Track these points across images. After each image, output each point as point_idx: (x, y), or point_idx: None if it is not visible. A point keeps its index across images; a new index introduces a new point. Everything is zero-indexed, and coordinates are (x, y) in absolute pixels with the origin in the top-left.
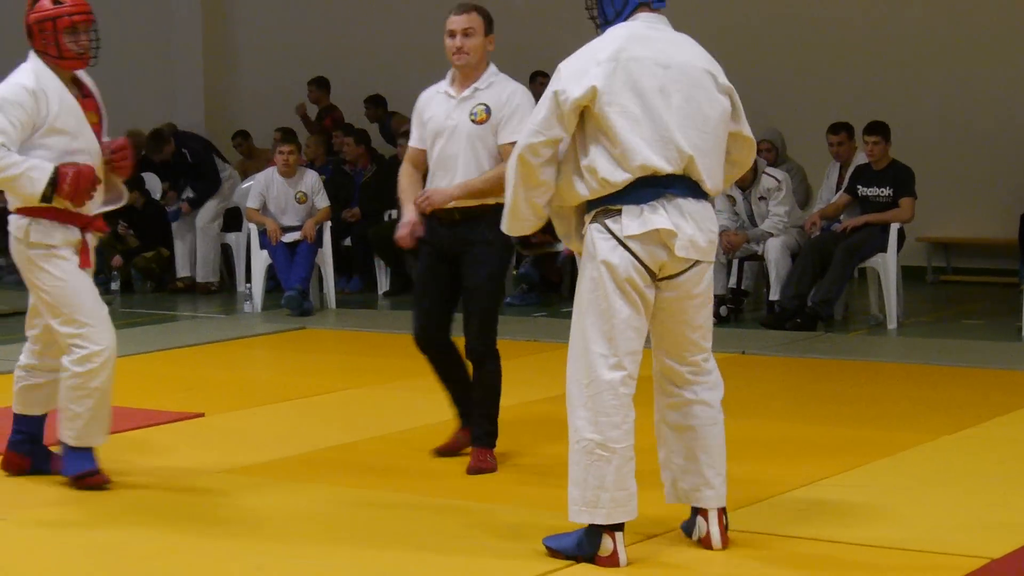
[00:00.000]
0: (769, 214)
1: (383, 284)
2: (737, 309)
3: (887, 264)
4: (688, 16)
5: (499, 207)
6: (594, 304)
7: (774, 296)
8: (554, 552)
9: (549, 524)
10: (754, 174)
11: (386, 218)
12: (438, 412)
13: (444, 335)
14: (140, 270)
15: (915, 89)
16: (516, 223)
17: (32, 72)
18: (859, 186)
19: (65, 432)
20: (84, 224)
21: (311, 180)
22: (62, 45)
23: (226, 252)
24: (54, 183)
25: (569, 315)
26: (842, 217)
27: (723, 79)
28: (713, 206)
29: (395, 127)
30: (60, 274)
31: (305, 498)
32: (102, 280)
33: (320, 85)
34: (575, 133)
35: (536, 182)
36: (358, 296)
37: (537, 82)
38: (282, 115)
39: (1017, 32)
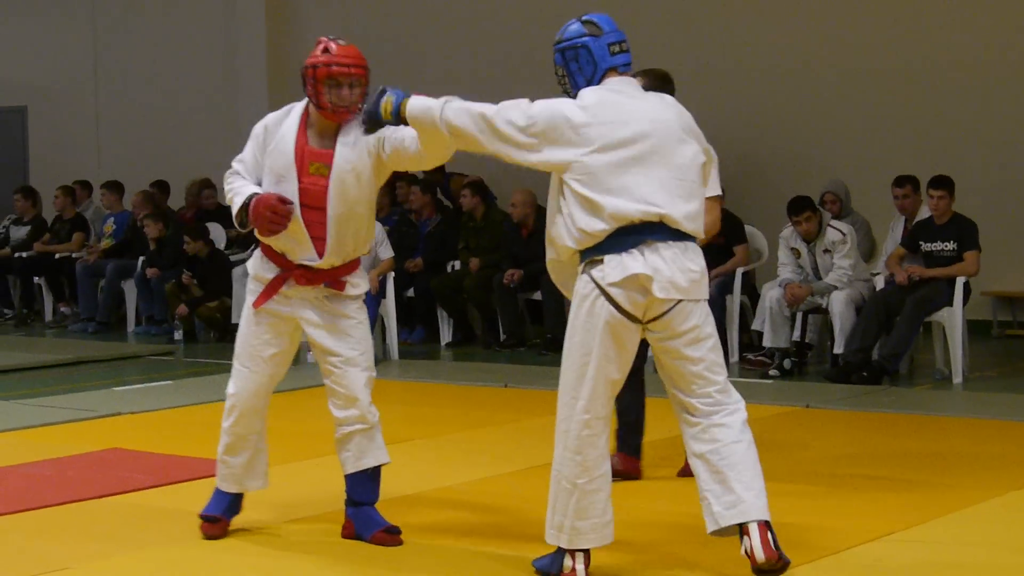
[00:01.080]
0: (834, 267)
1: (446, 335)
2: (801, 362)
3: (953, 318)
4: (754, 71)
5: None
6: (574, 350)
7: (838, 349)
8: (537, 571)
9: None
10: (819, 227)
11: (449, 269)
12: (499, 463)
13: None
14: (204, 319)
15: (979, 141)
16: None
17: (288, 109)
18: (921, 242)
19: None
20: (286, 267)
21: (375, 231)
22: (320, 94)
23: None
24: (246, 208)
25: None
26: (904, 265)
27: (699, 135)
28: (699, 247)
29: (454, 188)
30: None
31: (367, 549)
32: (166, 329)
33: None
34: (557, 184)
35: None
36: (421, 347)
37: None
38: None
39: None
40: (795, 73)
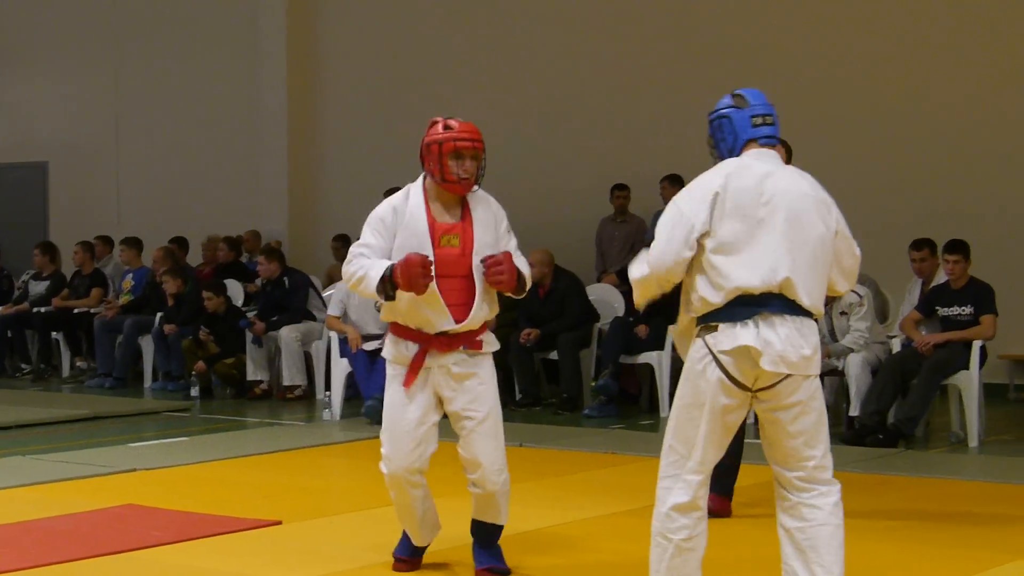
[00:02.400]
0: (850, 329)
1: None
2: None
3: (969, 381)
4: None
5: None
6: (683, 411)
7: (854, 412)
8: None
9: None
10: None
11: None
12: (512, 523)
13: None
14: (221, 376)
15: (996, 205)
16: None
17: (405, 191)
18: (938, 307)
19: None
20: (423, 340)
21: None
22: (445, 168)
23: (307, 360)
24: (388, 278)
25: (646, 427)
26: (923, 331)
27: (830, 206)
28: (816, 323)
29: None
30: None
31: None
32: (183, 385)
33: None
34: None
35: (670, 286)
36: None
37: (614, 195)
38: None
39: None
40: (811, 135)
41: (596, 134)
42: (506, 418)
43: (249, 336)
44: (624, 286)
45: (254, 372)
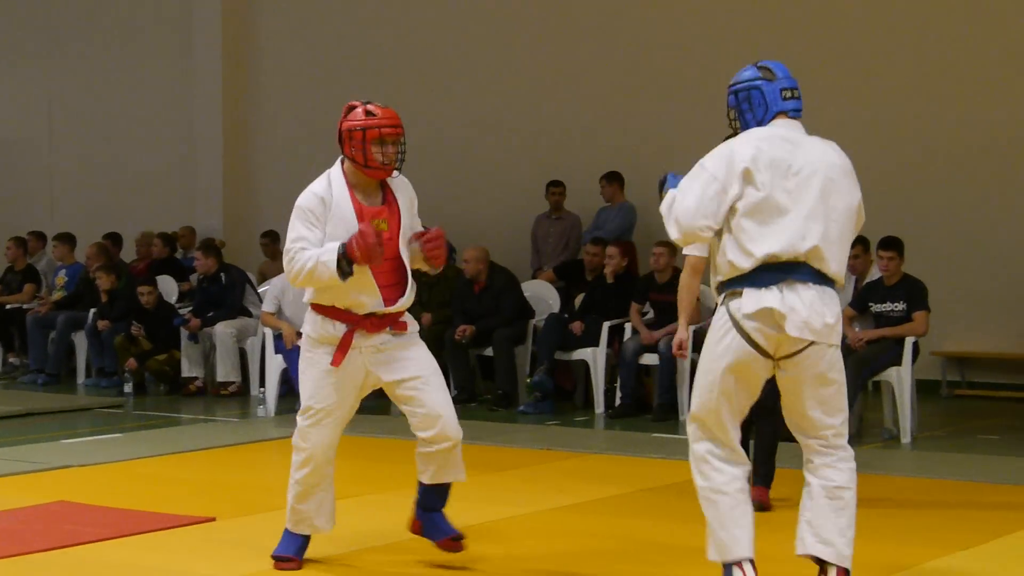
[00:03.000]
0: None
1: None
2: (749, 421)
3: (902, 378)
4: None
5: None
6: (703, 375)
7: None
8: None
9: None
10: None
11: None
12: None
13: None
14: (154, 372)
15: (929, 202)
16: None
17: (327, 178)
18: (871, 303)
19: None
20: (353, 320)
21: None
22: (368, 154)
23: (241, 356)
24: (343, 255)
25: (582, 424)
26: (856, 327)
27: (855, 176)
28: (838, 293)
29: None
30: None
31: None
32: (116, 382)
33: None
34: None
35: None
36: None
37: (549, 192)
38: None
39: None
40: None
41: (532, 131)
42: None
43: (184, 333)
44: (560, 282)
45: (189, 368)
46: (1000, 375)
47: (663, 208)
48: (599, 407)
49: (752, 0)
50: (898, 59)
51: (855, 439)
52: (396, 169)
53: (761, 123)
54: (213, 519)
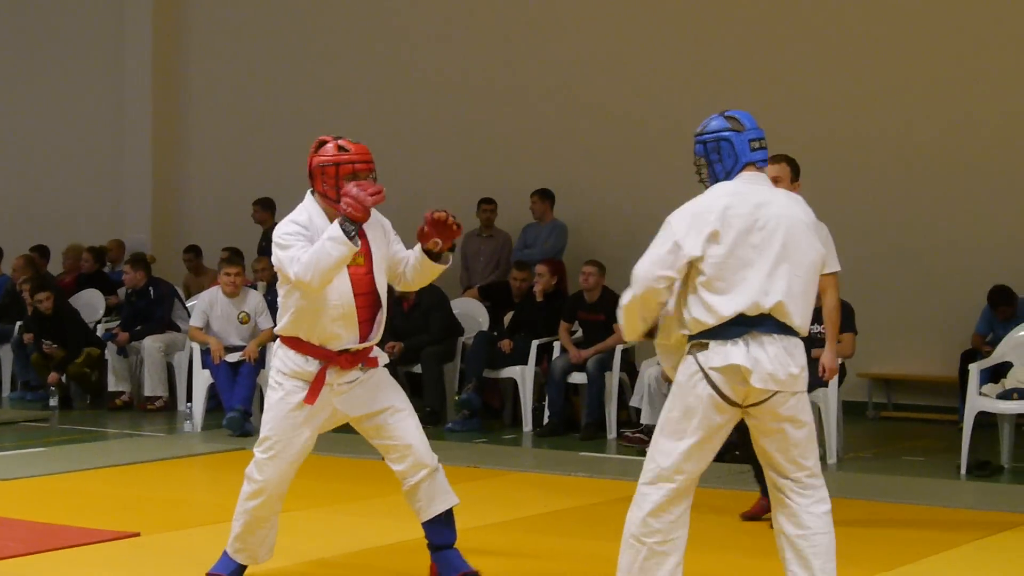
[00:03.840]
0: None
1: None
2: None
3: (828, 399)
4: (641, 149)
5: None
6: (671, 424)
7: None
8: None
9: None
10: None
11: None
12: (374, 536)
13: None
14: (75, 378)
15: (857, 225)
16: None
17: (305, 211)
18: None
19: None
20: (327, 357)
21: (255, 301)
22: (341, 190)
23: (169, 371)
24: (347, 219)
25: (509, 442)
26: None
27: (818, 230)
28: (802, 341)
29: None
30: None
31: None
32: (41, 395)
33: (265, 206)
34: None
35: (654, 311)
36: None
37: (480, 209)
38: (230, 234)
39: (961, 173)
40: (679, 153)
41: (463, 147)
42: None
43: (113, 347)
44: (487, 301)
45: (116, 383)
46: (926, 397)
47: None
48: (527, 425)
49: (680, 21)
50: (826, 79)
51: None
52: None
53: (730, 173)
54: (137, 534)
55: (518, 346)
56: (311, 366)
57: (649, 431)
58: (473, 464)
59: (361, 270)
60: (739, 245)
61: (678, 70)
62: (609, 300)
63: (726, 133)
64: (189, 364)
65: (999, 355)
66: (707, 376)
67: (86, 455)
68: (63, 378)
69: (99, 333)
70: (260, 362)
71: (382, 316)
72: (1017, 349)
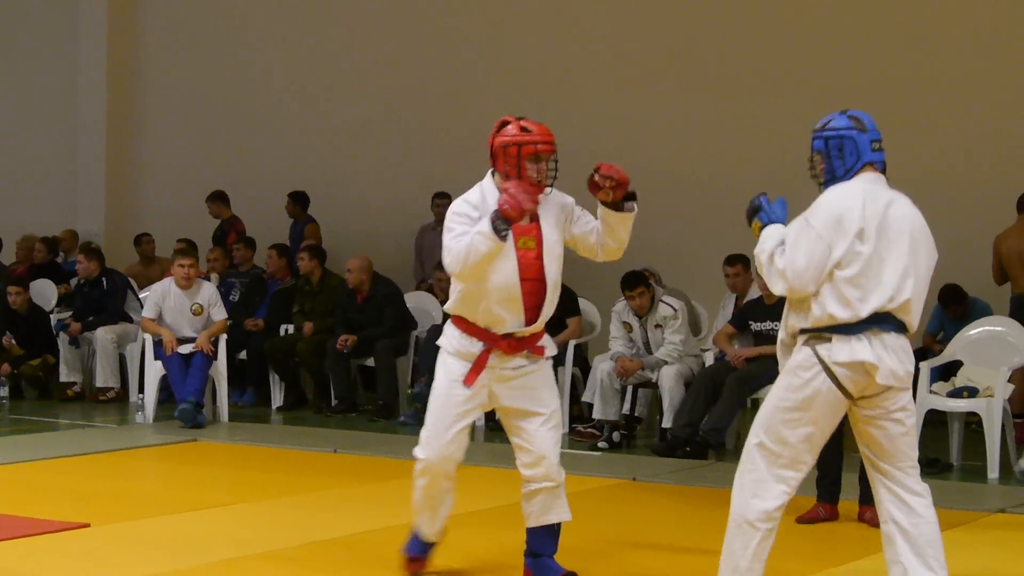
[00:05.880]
0: (664, 342)
1: (277, 399)
2: (630, 435)
3: None
4: (585, 151)
5: None
6: (778, 413)
7: (666, 424)
8: None
9: None
10: (651, 302)
11: (282, 332)
12: (325, 529)
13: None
14: (26, 378)
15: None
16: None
17: (480, 190)
18: (751, 322)
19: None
20: (490, 339)
21: (208, 292)
22: (523, 170)
23: (121, 362)
24: (498, 216)
25: None
26: (736, 345)
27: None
28: (911, 342)
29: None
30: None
31: None
32: None
33: (217, 198)
34: None
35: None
36: (251, 410)
37: (434, 204)
38: (184, 224)
39: (910, 175)
40: (631, 153)
41: (418, 142)
42: (321, 424)
43: (65, 337)
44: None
45: (67, 373)
46: None
47: (761, 257)
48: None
49: (622, 24)
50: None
51: (732, 455)
52: (548, 186)
53: (849, 171)
54: (87, 525)
55: None
56: (474, 347)
57: (601, 426)
58: None
59: (531, 254)
60: (877, 243)
61: (623, 67)
62: (563, 297)
63: (849, 132)
64: (141, 355)
65: (949, 354)
66: (828, 369)
67: (37, 445)
68: (15, 370)
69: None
70: (212, 354)
71: (551, 301)
72: (967, 348)
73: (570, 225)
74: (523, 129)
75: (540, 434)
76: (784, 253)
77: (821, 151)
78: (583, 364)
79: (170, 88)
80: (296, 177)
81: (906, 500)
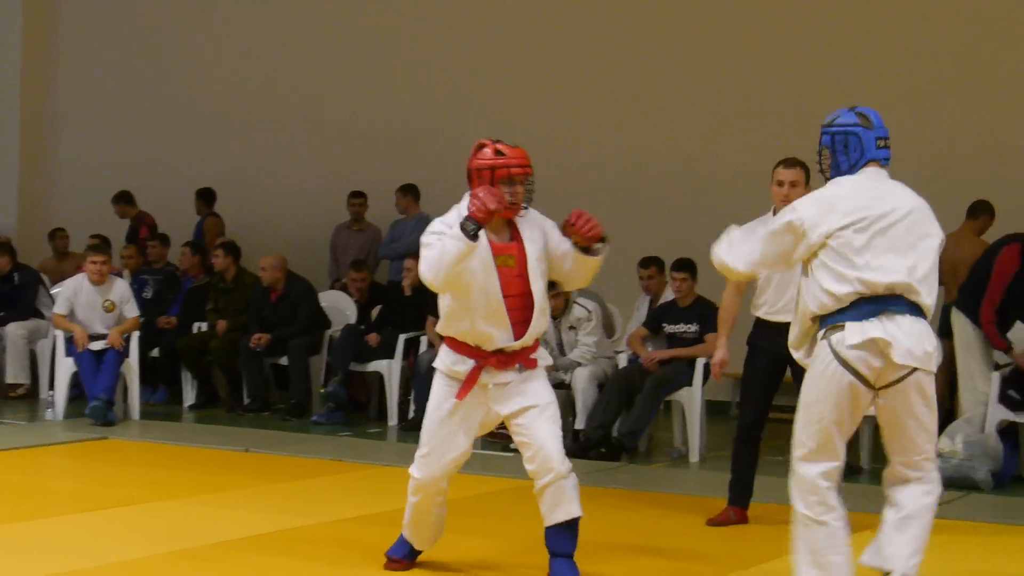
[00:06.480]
0: (578, 344)
1: (189, 397)
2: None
3: (692, 398)
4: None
5: None
6: (807, 409)
7: (579, 425)
8: None
9: None
10: (565, 303)
11: (195, 330)
12: (236, 527)
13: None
14: None
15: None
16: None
17: (456, 211)
18: (664, 324)
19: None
20: (481, 356)
21: (121, 289)
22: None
23: (32, 358)
24: (470, 218)
25: (375, 435)
26: (649, 347)
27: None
28: (929, 324)
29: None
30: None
31: None
32: None
33: (121, 199)
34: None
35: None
36: (163, 408)
37: (349, 202)
38: (98, 220)
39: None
40: (546, 152)
41: (333, 139)
42: (233, 423)
43: None
44: (359, 296)
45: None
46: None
47: (726, 234)
48: (392, 419)
49: (544, 20)
50: (673, 80)
51: (644, 457)
52: (523, 208)
53: (854, 167)
54: None
55: (385, 340)
56: (464, 366)
57: None
58: (337, 457)
59: (512, 272)
60: (869, 227)
61: (543, 69)
62: None
63: (855, 128)
64: (52, 351)
65: None
66: (841, 358)
67: None
68: None
69: None
70: (124, 351)
71: (539, 317)
72: None
73: (550, 247)
74: (498, 152)
75: (536, 424)
76: (745, 234)
77: (828, 146)
78: None
79: (84, 84)
80: (210, 174)
81: (911, 485)
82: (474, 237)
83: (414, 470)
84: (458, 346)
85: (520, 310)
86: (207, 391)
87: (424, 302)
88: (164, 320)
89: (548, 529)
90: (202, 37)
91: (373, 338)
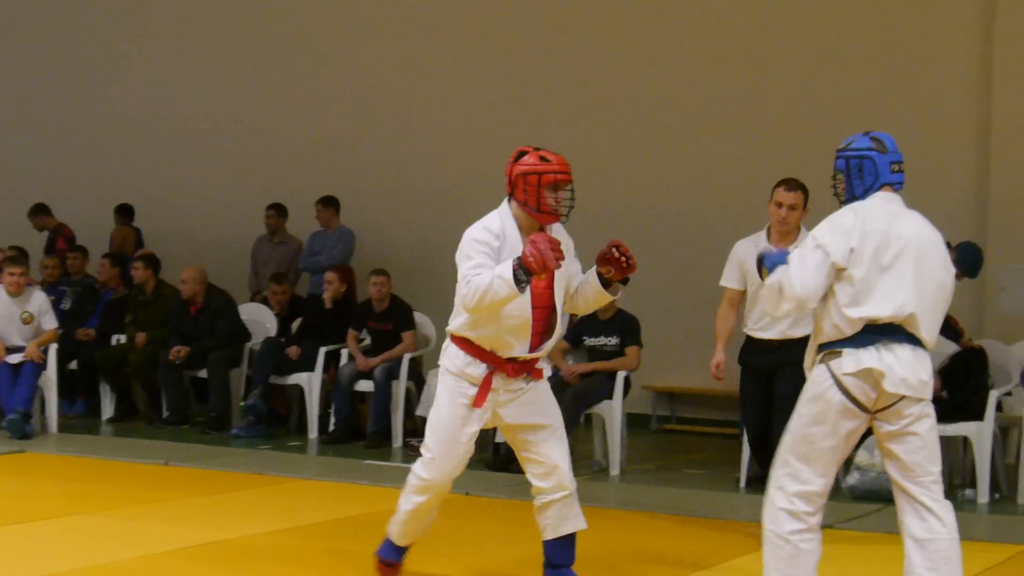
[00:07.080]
0: None
1: (108, 409)
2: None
3: (612, 411)
4: (435, 161)
5: (806, 338)
6: (800, 430)
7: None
8: None
9: None
10: None
11: (114, 342)
12: (156, 541)
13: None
14: None
15: (640, 239)
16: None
17: (499, 219)
18: (585, 337)
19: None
20: (495, 362)
21: (39, 301)
22: (542, 198)
23: None
24: (519, 266)
25: (295, 448)
26: (570, 360)
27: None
28: (929, 355)
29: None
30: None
31: None
32: None
33: (38, 211)
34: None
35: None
36: (82, 420)
37: (267, 215)
38: (18, 232)
39: (744, 187)
40: (471, 165)
41: (254, 152)
42: (152, 436)
43: None
44: (280, 309)
45: None
46: (708, 411)
47: (771, 285)
48: (313, 432)
49: (479, 29)
50: (614, 96)
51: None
52: (565, 216)
53: (868, 191)
54: None
55: (306, 352)
56: (476, 369)
57: None
58: (257, 471)
59: (542, 284)
60: (876, 258)
61: (472, 81)
62: (397, 309)
63: (870, 152)
64: None
65: None
66: (840, 383)
67: None
68: None
69: None
70: (42, 363)
71: (558, 330)
72: None
73: (567, 264)
74: (542, 159)
75: (550, 445)
76: (788, 271)
77: (842, 170)
78: (417, 378)
79: (1, 94)
80: (129, 186)
81: (924, 515)
82: (524, 289)
83: (422, 471)
84: (472, 349)
85: (542, 321)
86: (126, 404)
87: (344, 315)
88: (83, 332)
89: (551, 542)
90: (122, 49)
91: (293, 351)
